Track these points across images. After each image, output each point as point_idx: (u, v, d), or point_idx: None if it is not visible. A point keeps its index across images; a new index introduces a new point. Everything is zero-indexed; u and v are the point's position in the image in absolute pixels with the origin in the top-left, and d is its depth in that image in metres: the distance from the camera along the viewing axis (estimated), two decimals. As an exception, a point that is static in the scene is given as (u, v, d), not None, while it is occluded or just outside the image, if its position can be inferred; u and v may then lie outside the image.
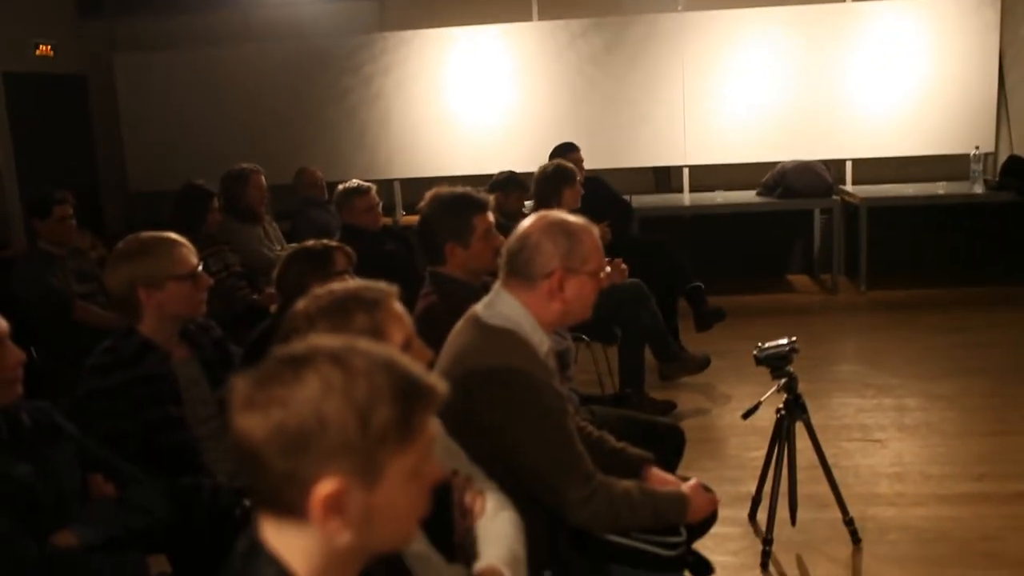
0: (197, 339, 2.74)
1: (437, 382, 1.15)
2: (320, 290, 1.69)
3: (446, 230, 2.99)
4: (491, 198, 3.13)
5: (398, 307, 1.71)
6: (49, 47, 8.29)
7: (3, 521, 1.89)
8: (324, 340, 1.16)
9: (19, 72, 7.93)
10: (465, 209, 2.99)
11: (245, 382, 1.11)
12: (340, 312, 1.65)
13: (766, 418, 3.46)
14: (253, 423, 1.08)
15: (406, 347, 1.70)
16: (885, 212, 7.56)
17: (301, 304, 1.68)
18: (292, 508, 1.10)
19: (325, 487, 1.07)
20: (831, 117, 7.60)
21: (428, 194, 3.08)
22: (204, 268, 2.73)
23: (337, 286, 1.71)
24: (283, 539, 1.13)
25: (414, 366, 1.15)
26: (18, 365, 2.05)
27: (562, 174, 4.70)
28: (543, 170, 4.72)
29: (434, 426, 1.16)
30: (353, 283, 1.72)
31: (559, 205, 4.40)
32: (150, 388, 2.52)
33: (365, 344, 1.15)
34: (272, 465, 1.08)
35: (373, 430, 1.08)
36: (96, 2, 8.45)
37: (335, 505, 1.08)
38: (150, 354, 2.55)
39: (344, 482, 1.08)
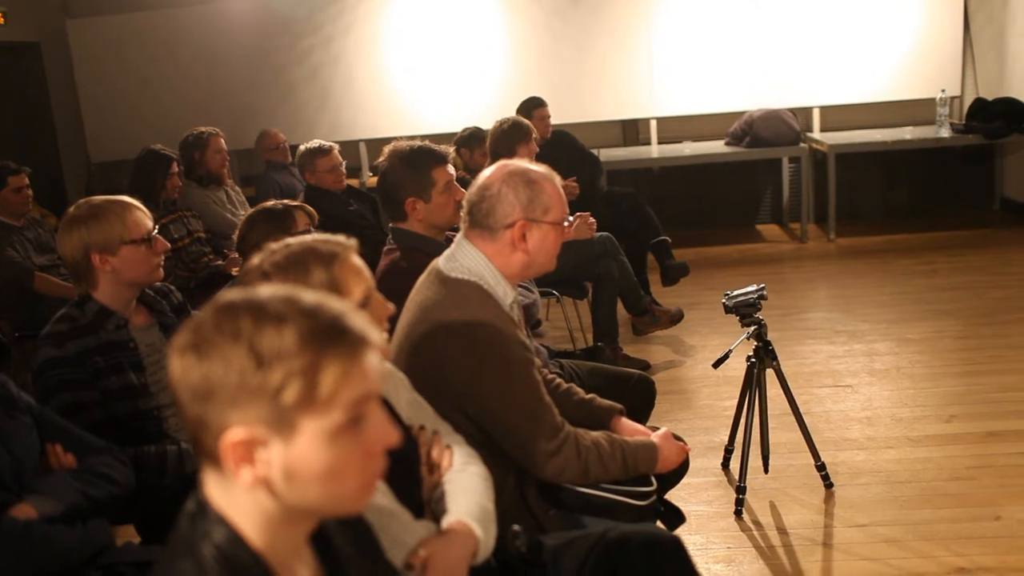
0: (156, 305, 2.68)
1: (368, 331, 1.11)
2: (276, 244, 1.64)
3: (406, 184, 2.93)
4: (451, 151, 3.07)
5: (357, 261, 1.66)
6: (0, 15, 8.06)
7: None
8: (263, 288, 1.13)
9: (-32, 40, 7.73)
10: (424, 162, 2.93)
11: (182, 328, 1.11)
12: (297, 267, 1.60)
13: (738, 367, 3.46)
14: (173, 367, 1.09)
15: (366, 301, 1.66)
16: (853, 158, 7.58)
17: (256, 259, 1.63)
18: (213, 458, 1.10)
19: (233, 435, 1.07)
20: (797, 65, 7.58)
21: (386, 149, 3.01)
22: (166, 234, 2.67)
23: (293, 240, 1.65)
24: (227, 497, 1.12)
25: (347, 315, 1.11)
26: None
27: (517, 130, 4.58)
28: (499, 125, 4.62)
29: (372, 381, 1.11)
30: (310, 237, 1.67)
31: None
32: (109, 356, 2.47)
33: (301, 292, 1.12)
34: (187, 410, 1.09)
35: (272, 379, 1.05)
36: (47, -34, 8.23)
37: (244, 454, 1.07)
38: (107, 321, 2.50)
39: (251, 431, 1.07)
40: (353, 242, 1.67)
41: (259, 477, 1.08)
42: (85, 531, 2.01)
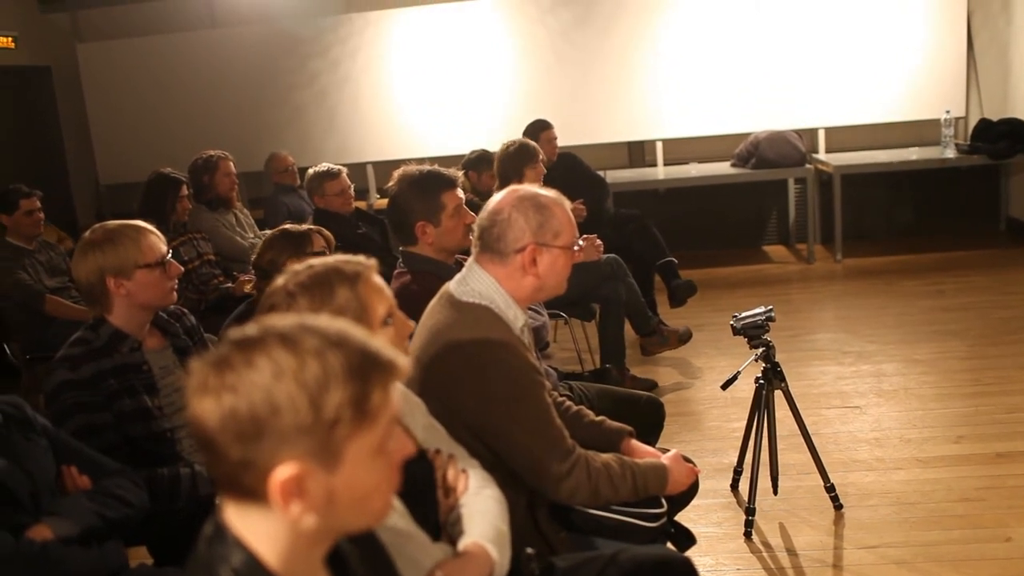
0: (170, 327, 2.71)
1: (396, 356, 1.13)
2: (299, 265, 1.67)
3: (416, 208, 2.95)
4: (460, 175, 3.10)
5: (378, 280, 1.70)
6: (11, 39, 8.15)
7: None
8: (276, 320, 1.13)
9: (-20, 65, 7.81)
10: (434, 186, 2.96)
11: (200, 366, 1.08)
12: (322, 286, 1.63)
13: (746, 389, 3.47)
14: (207, 409, 1.06)
15: (388, 319, 1.69)
16: (858, 179, 7.60)
17: (280, 280, 1.65)
18: (252, 493, 1.08)
19: (283, 472, 1.06)
20: (802, 86, 7.62)
21: (396, 173, 3.04)
22: (176, 257, 2.69)
23: (316, 261, 1.69)
24: (247, 522, 1.12)
25: (371, 341, 1.12)
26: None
27: (524, 152, 4.62)
28: (505, 148, 4.65)
29: (398, 401, 1.13)
30: (332, 258, 1.70)
31: (520, 184, 4.37)
32: (123, 378, 2.49)
33: (318, 321, 1.12)
34: (228, 452, 1.06)
35: (326, 413, 1.05)
36: (57, -9, 8.32)
37: (295, 490, 1.06)
38: (122, 344, 2.52)
39: (302, 466, 1.06)
40: (373, 262, 1.71)
41: (309, 507, 1.08)
42: (101, 553, 2.02)
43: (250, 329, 1.11)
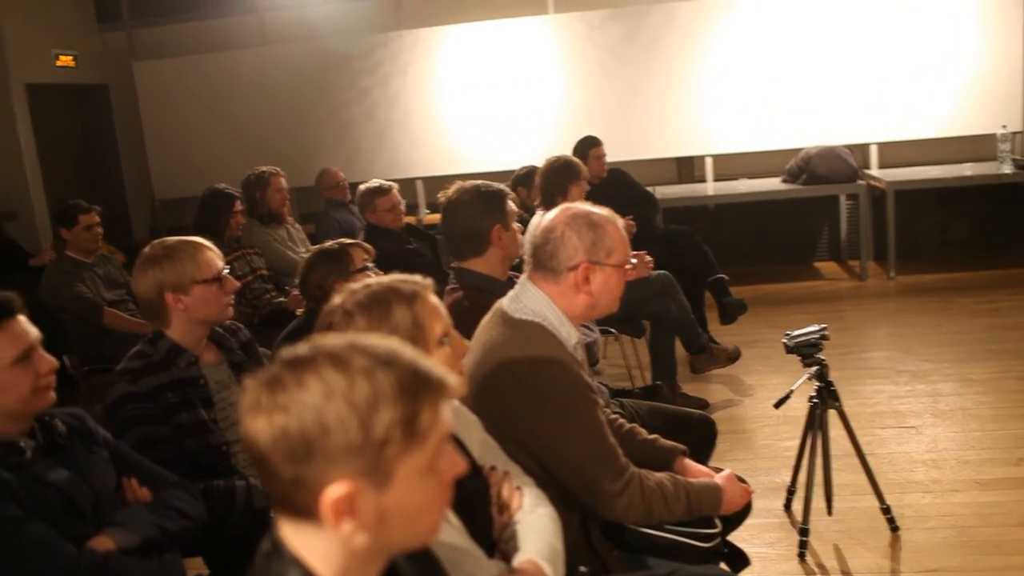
0: (226, 342, 2.74)
1: (446, 375, 1.13)
2: (356, 285, 1.69)
3: (491, 213, 2.97)
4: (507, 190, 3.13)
5: (435, 299, 1.71)
6: (71, 58, 8.36)
7: (42, 526, 1.90)
8: (327, 340, 1.14)
9: (42, 83, 8.02)
10: (499, 194, 3.02)
11: (253, 385, 1.10)
12: (380, 305, 1.64)
13: (797, 407, 3.43)
14: (259, 428, 1.08)
15: (444, 339, 1.70)
16: (912, 195, 7.48)
17: (338, 299, 1.67)
18: (306, 511, 1.09)
19: (334, 491, 1.07)
20: (854, 101, 7.52)
21: (453, 188, 3.06)
22: (230, 272, 2.73)
23: (372, 280, 1.71)
24: (302, 540, 1.12)
25: (421, 361, 1.12)
26: (51, 372, 2.06)
27: (568, 168, 4.58)
28: (549, 164, 4.63)
29: (451, 420, 1.14)
30: (388, 277, 1.72)
31: (564, 201, 4.37)
32: (180, 392, 2.52)
33: (368, 341, 1.13)
34: (280, 470, 1.07)
35: (376, 432, 1.06)
36: (115, 11, 8.51)
37: (346, 508, 1.07)
38: (179, 358, 2.56)
39: (353, 485, 1.07)
40: (429, 281, 1.72)
41: (361, 525, 1.09)
42: (160, 564, 2.05)
43: (301, 349, 1.12)
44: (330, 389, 1.07)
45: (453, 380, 1.14)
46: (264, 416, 1.07)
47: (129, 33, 8.58)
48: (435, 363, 1.15)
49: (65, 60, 8.32)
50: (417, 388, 1.10)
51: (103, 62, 8.77)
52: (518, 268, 3.06)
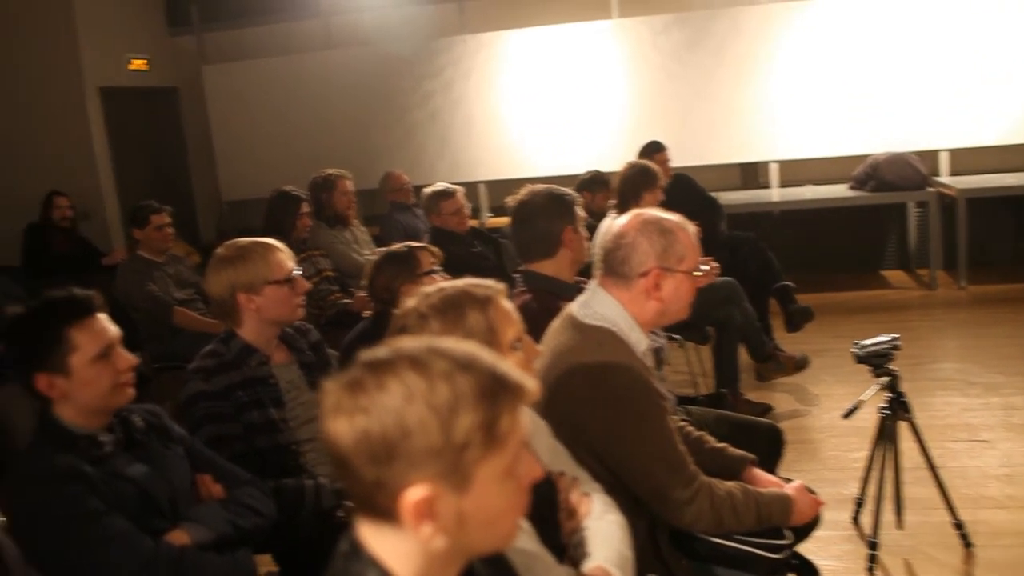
0: (296, 343, 2.78)
1: (525, 379, 1.13)
2: (429, 288, 1.70)
3: (563, 215, 2.98)
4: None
5: (507, 304, 1.72)
6: (144, 61, 8.56)
7: (121, 520, 1.95)
8: (406, 343, 1.14)
9: (115, 87, 8.22)
10: (568, 198, 3.02)
11: (333, 387, 1.11)
12: (454, 309, 1.66)
13: (864, 418, 3.37)
14: (340, 429, 1.09)
15: (516, 344, 1.71)
16: (984, 203, 7.29)
17: (412, 302, 1.69)
18: (386, 513, 1.10)
19: (414, 494, 1.07)
20: (924, 107, 7.36)
21: (524, 191, 3.06)
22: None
23: (447, 284, 1.72)
24: (381, 541, 1.13)
25: (500, 364, 1.12)
26: (130, 369, 2.11)
27: (645, 175, 4.59)
28: (627, 169, 4.65)
29: (528, 425, 1.14)
30: (462, 281, 1.73)
31: (638, 207, 4.36)
32: (251, 391, 2.56)
33: (447, 344, 1.13)
34: (361, 472, 1.08)
35: (457, 436, 1.07)
36: (185, 15, 8.70)
37: (426, 511, 1.08)
38: (251, 358, 2.60)
39: (433, 488, 1.08)
40: (503, 286, 1.72)
41: (440, 528, 1.10)
42: (234, 559, 2.09)
43: (381, 351, 1.13)
44: (411, 392, 1.07)
45: (531, 384, 1.14)
46: (345, 418, 1.08)
47: (199, 37, 8.75)
48: (513, 367, 1.15)
49: (137, 64, 8.52)
50: (496, 392, 1.10)
51: (173, 66, 8.96)
52: (583, 273, 3.06)
